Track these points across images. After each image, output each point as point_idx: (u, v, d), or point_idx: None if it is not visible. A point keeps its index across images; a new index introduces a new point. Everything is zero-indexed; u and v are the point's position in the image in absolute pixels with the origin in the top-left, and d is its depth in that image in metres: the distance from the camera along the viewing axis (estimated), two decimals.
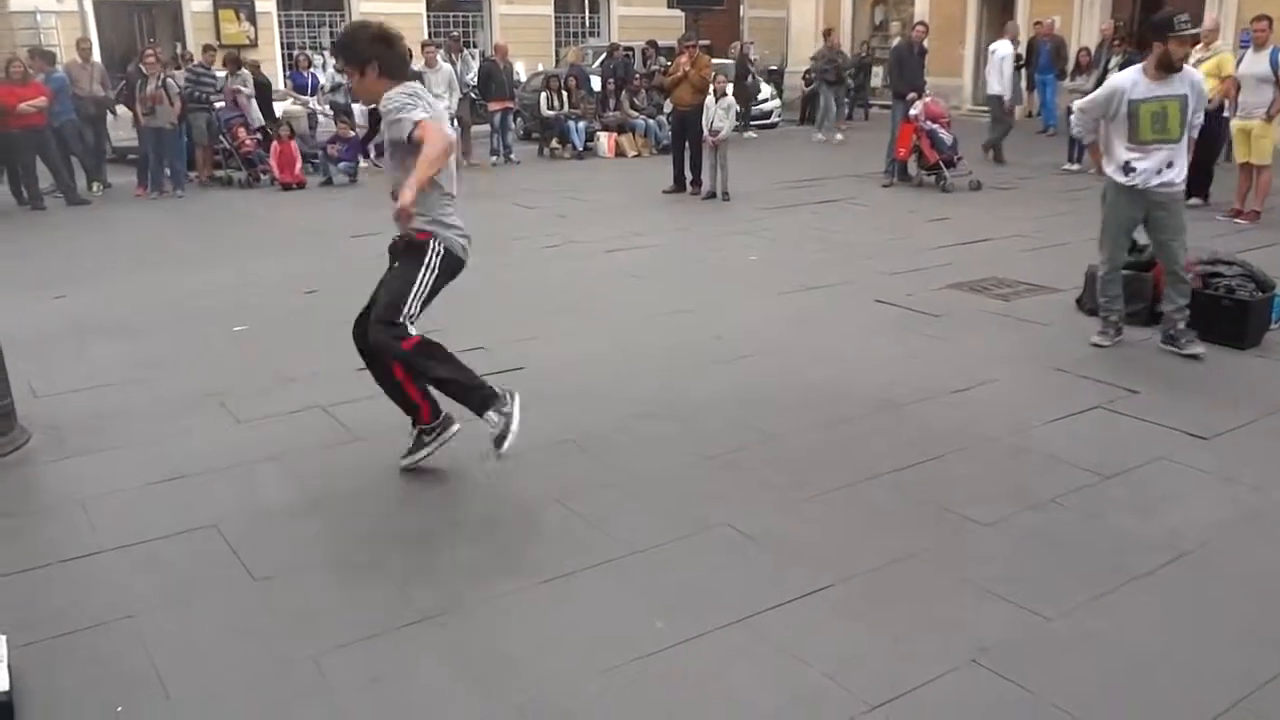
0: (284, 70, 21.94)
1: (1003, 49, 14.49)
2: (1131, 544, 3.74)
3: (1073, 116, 6.50)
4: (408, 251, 4.27)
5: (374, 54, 4.15)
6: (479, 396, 4.30)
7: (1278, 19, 10.10)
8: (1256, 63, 9.60)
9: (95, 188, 13.17)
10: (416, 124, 3.96)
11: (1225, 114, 10.19)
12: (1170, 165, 5.77)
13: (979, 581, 3.48)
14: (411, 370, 4.33)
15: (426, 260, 4.24)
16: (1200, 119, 5.93)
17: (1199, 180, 10.87)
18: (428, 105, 4.12)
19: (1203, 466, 4.40)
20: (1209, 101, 10.41)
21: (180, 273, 8.51)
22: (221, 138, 13.99)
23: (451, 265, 4.34)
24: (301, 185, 13.56)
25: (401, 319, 4.18)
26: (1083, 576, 3.51)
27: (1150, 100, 5.71)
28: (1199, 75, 6.01)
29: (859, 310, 7.00)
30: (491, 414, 4.28)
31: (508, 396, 4.33)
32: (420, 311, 4.25)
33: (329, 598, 3.46)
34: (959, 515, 3.96)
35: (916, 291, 7.35)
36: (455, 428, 4.46)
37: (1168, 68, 5.66)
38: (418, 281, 4.22)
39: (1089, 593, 3.40)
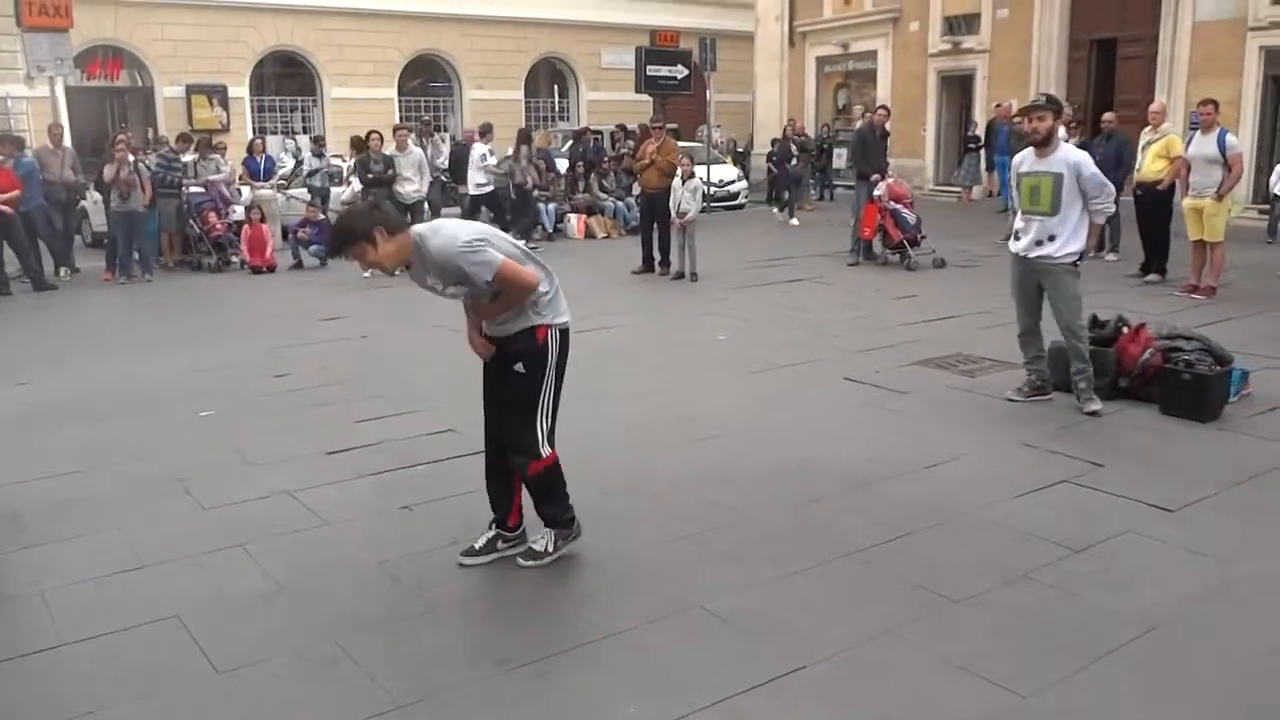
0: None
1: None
2: (1104, 618, 3.75)
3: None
4: (526, 356, 4.15)
5: (372, 222, 3.88)
6: (564, 517, 4.30)
7: (1224, 103, 10.45)
8: (1205, 144, 9.89)
9: (63, 273, 13.12)
10: (495, 272, 3.86)
11: (1176, 193, 10.49)
12: (1051, 239, 6.21)
13: (955, 659, 3.47)
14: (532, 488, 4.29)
15: (547, 359, 4.19)
16: (1100, 204, 6.23)
17: (1155, 257, 11.15)
18: (494, 240, 4.03)
19: (1170, 539, 4.43)
20: (1159, 184, 10.81)
21: (147, 357, 8.46)
22: (191, 222, 14.02)
23: (565, 344, 4.30)
24: (272, 269, 13.57)
25: (536, 435, 4.16)
26: (1057, 652, 3.51)
27: (1030, 174, 6.31)
28: (1079, 158, 6.27)
29: (828, 388, 7.05)
30: (554, 538, 4.28)
31: (576, 531, 4.33)
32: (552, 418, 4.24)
33: (296, 689, 3.39)
34: (933, 592, 3.96)
35: (884, 369, 7.42)
36: (532, 544, 4.34)
37: (1036, 149, 6.25)
38: (542, 388, 4.18)
39: (1064, 669, 3.40)
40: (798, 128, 21.98)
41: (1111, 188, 6.33)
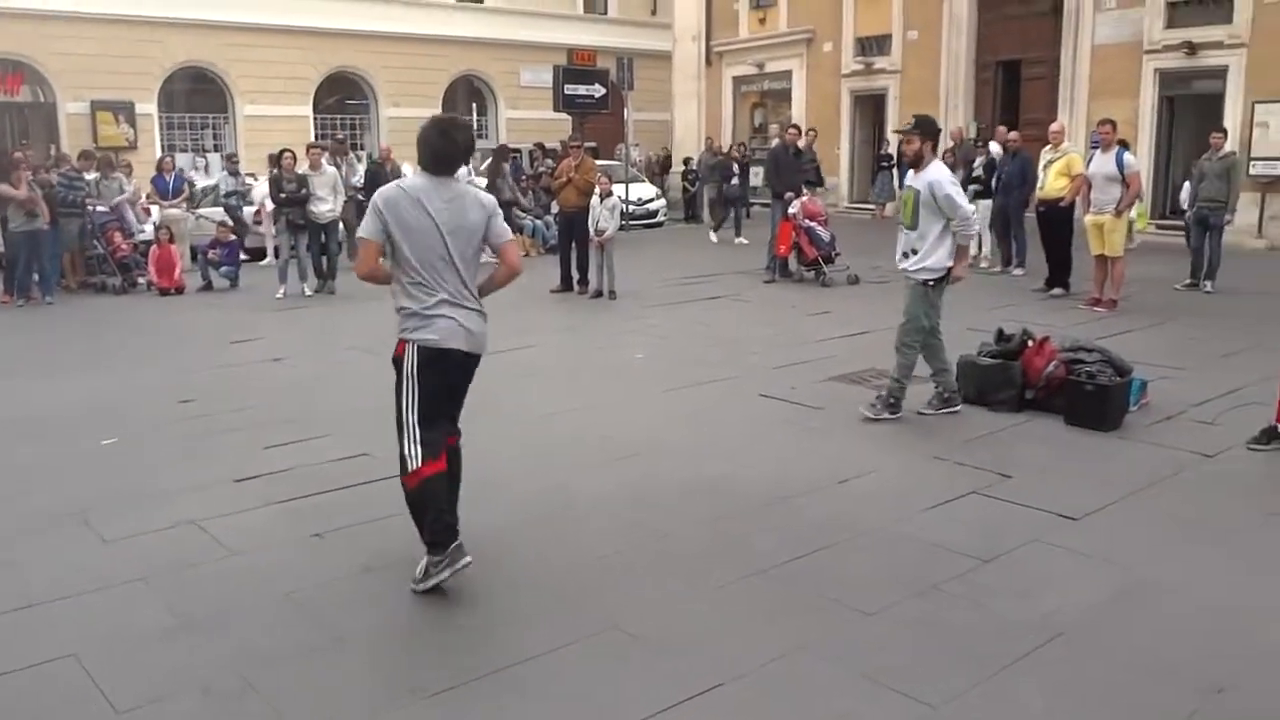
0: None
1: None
2: (1011, 627, 3.82)
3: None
4: (394, 367, 4.28)
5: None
6: (426, 538, 4.18)
7: (1122, 123, 10.83)
8: (1104, 163, 10.24)
9: None
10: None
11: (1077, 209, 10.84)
12: (913, 252, 6.45)
13: (868, 672, 3.51)
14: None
15: (401, 372, 4.23)
16: (958, 226, 6.36)
17: (1058, 271, 11.47)
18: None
19: (1074, 547, 4.55)
20: (1060, 201, 11.18)
21: (47, 383, 8.18)
22: (95, 243, 13.62)
23: (428, 363, 4.23)
24: (180, 290, 13.24)
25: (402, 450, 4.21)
26: (967, 662, 3.57)
27: (906, 189, 6.60)
28: (936, 177, 6.39)
29: (745, 405, 7.11)
30: (424, 565, 4.15)
31: (450, 559, 4.12)
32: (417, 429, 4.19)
33: None
34: (846, 606, 4.00)
35: (800, 385, 7.50)
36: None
37: (910, 165, 6.59)
38: (401, 403, 4.23)
39: (973, 678, 3.46)
40: (714, 146, 22.19)
41: (968, 209, 6.44)
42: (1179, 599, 4.07)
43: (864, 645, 3.71)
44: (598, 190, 12.11)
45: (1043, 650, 3.65)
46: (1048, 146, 11.75)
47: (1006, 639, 3.73)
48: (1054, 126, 12.18)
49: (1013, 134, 13.44)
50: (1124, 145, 10.70)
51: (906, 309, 6.52)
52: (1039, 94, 19.15)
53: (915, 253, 6.43)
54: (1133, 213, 11.31)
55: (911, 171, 6.56)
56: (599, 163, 18.11)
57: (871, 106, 22.90)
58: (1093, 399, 6.27)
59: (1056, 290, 11.41)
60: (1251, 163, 15.36)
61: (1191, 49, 16.46)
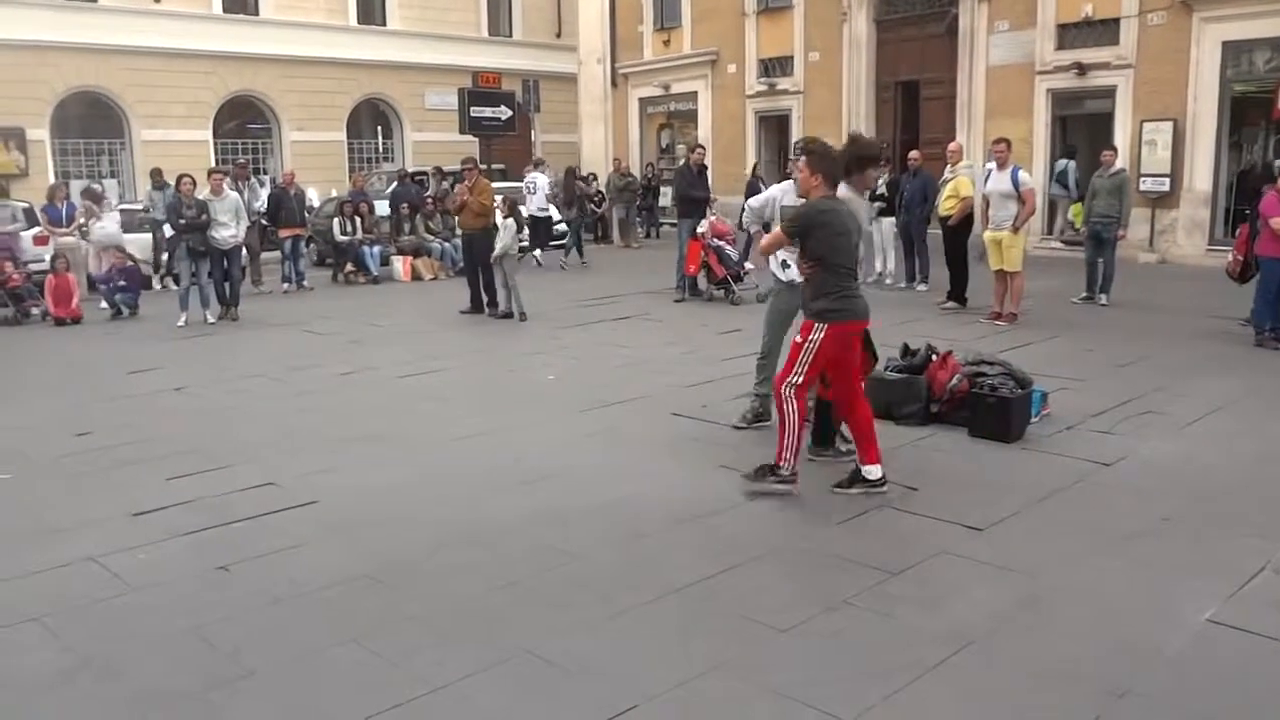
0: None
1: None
2: (921, 638, 3.89)
3: (744, 210, 7.32)
4: None
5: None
6: None
7: (1017, 141, 11.19)
8: (1000, 181, 10.57)
9: None
10: None
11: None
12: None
13: (781, 688, 3.54)
14: None
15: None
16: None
17: (954, 286, 11.80)
18: None
19: (981, 557, 4.65)
20: (950, 219, 11.57)
21: None
22: None
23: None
24: (78, 320, 12.82)
25: None
26: (878, 674, 3.62)
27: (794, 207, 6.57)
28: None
29: (656, 424, 7.13)
30: None
31: None
32: None
33: None
34: (758, 623, 4.03)
35: (711, 403, 7.56)
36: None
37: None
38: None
39: (885, 690, 3.51)
40: (622, 167, 22.32)
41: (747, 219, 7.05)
42: (1082, 605, 4.18)
43: (777, 662, 3.75)
44: (498, 211, 12.11)
45: (952, 660, 3.72)
46: (948, 165, 12.11)
47: (917, 650, 3.79)
48: (951, 146, 12.57)
49: (914, 153, 13.79)
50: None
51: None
52: (938, 113, 19.67)
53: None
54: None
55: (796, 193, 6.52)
56: (506, 184, 18.18)
57: (776, 127, 23.26)
58: (995, 411, 6.44)
59: (950, 304, 11.72)
60: (1141, 179, 15.98)
61: (1081, 70, 17.09)
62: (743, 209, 7.50)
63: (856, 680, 3.59)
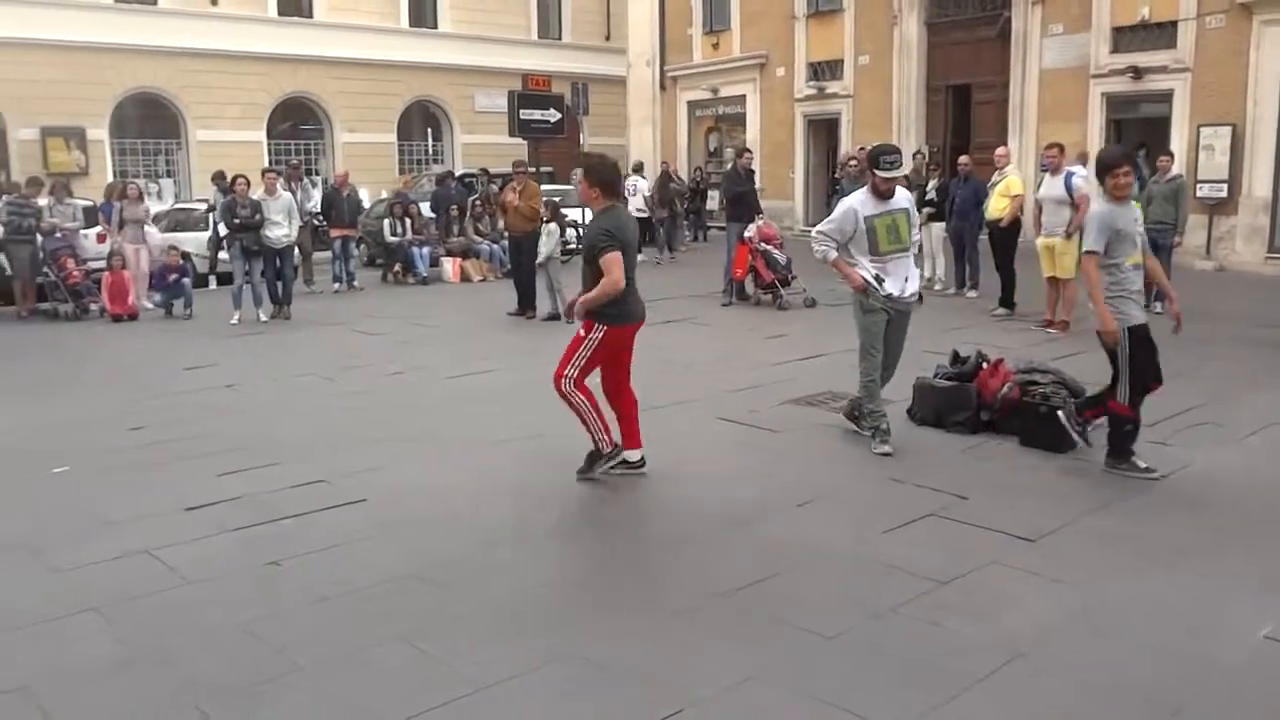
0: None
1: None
2: (970, 648, 3.84)
3: (813, 238, 6.77)
4: None
5: None
6: None
7: (1070, 146, 11.03)
8: (1053, 186, 10.42)
9: None
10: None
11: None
12: (912, 278, 6.45)
13: (825, 696, 3.51)
14: None
15: None
16: (916, 235, 6.63)
17: (1004, 291, 11.66)
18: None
19: (1032, 568, 4.59)
20: (1000, 222, 11.44)
21: None
22: (46, 269, 13.41)
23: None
24: (134, 317, 13.07)
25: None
26: (924, 685, 3.58)
27: (882, 215, 6.32)
28: (908, 193, 6.67)
29: (703, 428, 7.12)
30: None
31: None
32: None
33: None
34: (803, 630, 4.01)
35: (757, 408, 7.53)
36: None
37: (878, 194, 6.32)
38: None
39: (931, 701, 3.47)
40: (670, 170, 22.31)
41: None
42: (1136, 619, 4.11)
43: (823, 669, 3.72)
44: (544, 215, 12.17)
45: (1001, 671, 3.67)
46: (996, 170, 12.00)
47: (965, 661, 3.75)
48: (998, 151, 12.45)
49: (964, 159, 13.65)
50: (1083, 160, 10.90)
51: (906, 330, 6.63)
52: (989, 118, 19.47)
53: (911, 277, 6.47)
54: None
55: (876, 199, 6.30)
56: (555, 187, 18.27)
57: (825, 131, 23.15)
58: (1047, 421, 6.34)
59: (999, 310, 11.59)
60: (1198, 185, 15.69)
61: (1137, 73, 16.83)
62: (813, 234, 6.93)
63: (903, 690, 3.56)
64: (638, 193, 19.38)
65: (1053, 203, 10.43)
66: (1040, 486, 5.75)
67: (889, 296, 6.31)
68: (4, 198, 14.29)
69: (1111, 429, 5.91)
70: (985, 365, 6.92)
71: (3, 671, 3.77)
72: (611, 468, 5.89)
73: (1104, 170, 5.84)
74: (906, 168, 6.51)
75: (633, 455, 5.95)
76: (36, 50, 23.00)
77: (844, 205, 6.46)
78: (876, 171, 6.29)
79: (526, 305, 12.61)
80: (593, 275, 5.72)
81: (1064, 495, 5.57)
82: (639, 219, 18.54)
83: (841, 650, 3.85)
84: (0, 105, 23.41)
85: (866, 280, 6.28)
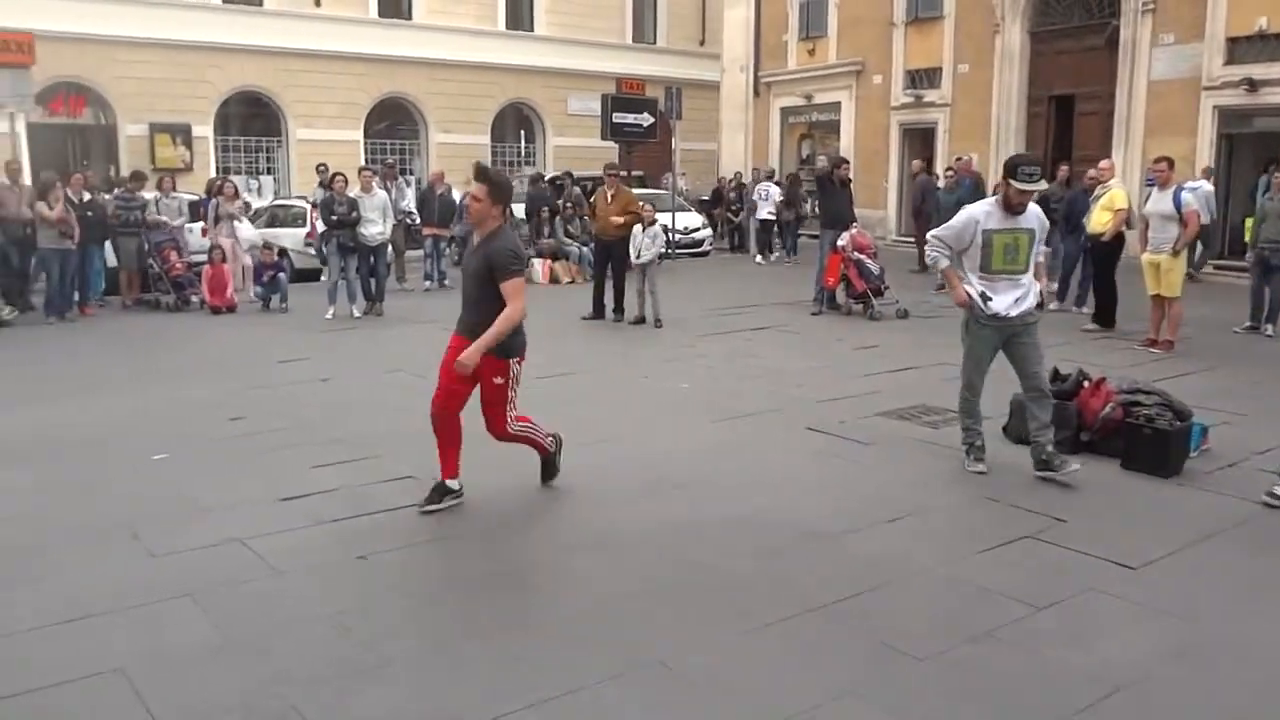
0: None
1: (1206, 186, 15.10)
2: (1068, 678, 3.71)
3: (928, 241, 6.51)
4: None
5: None
6: None
7: (1179, 160, 10.67)
8: (1161, 201, 10.07)
9: (8, 311, 12.75)
10: None
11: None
12: (1025, 297, 5.96)
13: None
14: None
15: None
16: (1045, 248, 6.21)
17: (1102, 307, 11.31)
18: None
19: (1133, 597, 4.42)
20: (1103, 236, 11.08)
21: (101, 398, 8.28)
22: (151, 261, 13.84)
23: None
24: (232, 309, 13.41)
25: None
26: (1020, 713, 3.47)
27: (1004, 231, 5.89)
28: (1040, 210, 6.15)
29: (791, 438, 7.02)
30: None
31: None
32: None
33: None
34: (895, 649, 3.91)
35: (847, 419, 7.40)
36: None
37: (1008, 208, 5.88)
38: None
39: None
40: (760, 177, 22.18)
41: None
42: (1244, 657, 3.92)
43: (914, 692, 3.62)
44: (643, 218, 12.11)
45: (1101, 705, 3.53)
46: (1098, 184, 11.67)
47: (1063, 691, 3.62)
48: (1102, 164, 12.08)
49: (1063, 167, 13.29)
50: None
51: (1039, 346, 6.10)
52: (1092, 129, 18.97)
53: (1026, 297, 5.97)
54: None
55: (1004, 212, 5.89)
56: (645, 191, 18.29)
57: (920, 140, 22.79)
58: (1151, 443, 6.11)
59: (1091, 326, 11.26)
60: None
61: (1252, 86, 16.22)
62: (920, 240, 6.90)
63: (996, 717, 3.44)
64: (769, 198, 20.27)
65: (1160, 218, 10.07)
66: (1143, 512, 5.54)
67: (994, 315, 5.95)
68: (114, 191, 14.80)
69: None
70: (1086, 384, 6.70)
71: (101, 652, 3.86)
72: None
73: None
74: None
75: (454, 484, 5.54)
76: (147, 49, 23.83)
77: (966, 213, 6.08)
78: (1013, 182, 5.79)
79: (603, 310, 12.54)
80: (485, 297, 5.29)
81: (1168, 522, 5.35)
82: (763, 222, 20.13)
83: (935, 673, 3.74)
84: (112, 102, 24.29)
85: (971, 296, 5.98)
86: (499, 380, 5.37)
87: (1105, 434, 6.41)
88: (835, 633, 4.07)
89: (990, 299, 5.93)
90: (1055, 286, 12.37)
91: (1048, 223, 6.12)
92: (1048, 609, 4.28)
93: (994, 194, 6.39)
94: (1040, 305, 6.12)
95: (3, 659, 3.83)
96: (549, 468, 5.93)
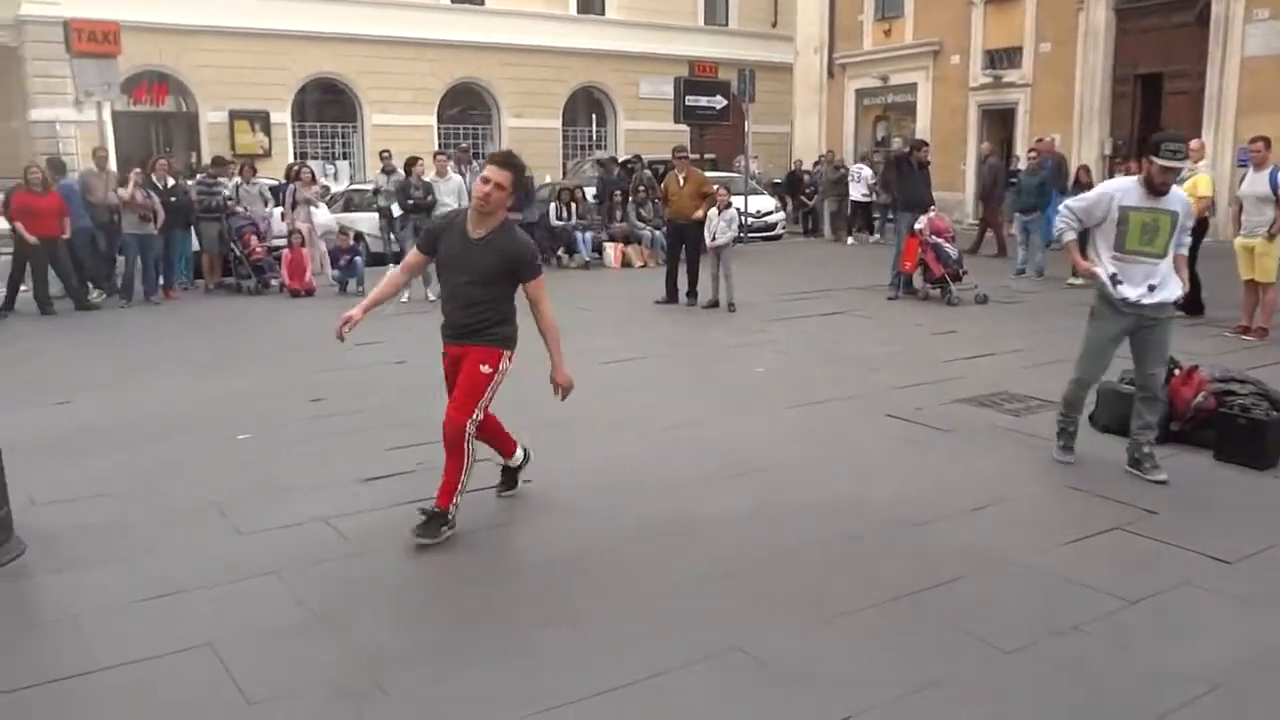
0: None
1: None
2: (1161, 676, 3.60)
3: (1059, 213, 6.06)
4: None
5: None
6: None
7: (1276, 140, 10.27)
8: (1256, 182, 9.70)
9: (96, 294, 13.12)
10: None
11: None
12: (1161, 285, 5.58)
13: (1002, 714, 3.34)
14: None
15: None
16: (1187, 239, 5.81)
17: (1190, 298, 10.92)
18: None
19: (1230, 592, 4.27)
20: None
21: (185, 380, 8.48)
22: (232, 245, 14.13)
23: None
24: (311, 292, 13.64)
25: None
26: (1112, 710, 3.37)
27: (1143, 209, 5.55)
28: (1187, 196, 5.83)
29: (869, 424, 6.93)
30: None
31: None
32: None
33: None
34: (980, 641, 3.83)
35: (926, 405, 7.28)
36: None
37: (1150, 187, 5.53)
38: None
39: None
40: (835, 160, 21.93)
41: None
42: None
43: (1001, 685, 3.54)
44: (717, 201, 12.03)
45: (1197, 703, 3.41)
46: (1186, 163, 11.26)
47: (1156, 689, 3.51)
48: (1194, 143, 11.61)
49: (1196, 140, 12.83)
50: None
51: (1167, 344, 5.77)
52: (1182, 109, 18.37)
53: (1162, 285, 5.57)
54: None
55: (1145, 190, 5.51)
56: (718, 174, 18.18)
57: (1000, 121, 22.31)
58: (1246, 434, 5.90)
59: (1177, 314, 10.90)
60: None
61: None
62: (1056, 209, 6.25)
63: (1087, 714, 3.36)
64: (862, 179, 20.53)
65: (1255, 200, 9.71)
66: (1237, 504, 5.36)
67: (1124, 300, 5.58)
68: (196, 177, 15.13)
69: None
70: (1177, 372, 6.49)
71: (190, 627, 3.95)
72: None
73: None
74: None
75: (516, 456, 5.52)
76: (226, 37, 24.31)
77: (1102, 187, 5.84)
78: (1155, 159, 5.38)
79: (676, 294, 12.49)
80: (489, 297, 4.95)
81: (1265, 516, 5.17)
82: (855, 204, 20.65)
83: (1023, 666, 3.66)
84: (194, 89, 24.84)
85: (1098, 274, 5.66)
86: (486, 369, 4.97)
87: (1197, 424, 6.21)
88: (917, 622, 4.01)
89: (1121, 282, 5.58)
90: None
91: (1193, 210, 5.71)
92: (1139, 603, 4.16)
93: (1074, 180, 6.15)
94: (1178, 303, 5.76)
95: (101, 632, 3.94)
96: (510, 476, 5.55)
